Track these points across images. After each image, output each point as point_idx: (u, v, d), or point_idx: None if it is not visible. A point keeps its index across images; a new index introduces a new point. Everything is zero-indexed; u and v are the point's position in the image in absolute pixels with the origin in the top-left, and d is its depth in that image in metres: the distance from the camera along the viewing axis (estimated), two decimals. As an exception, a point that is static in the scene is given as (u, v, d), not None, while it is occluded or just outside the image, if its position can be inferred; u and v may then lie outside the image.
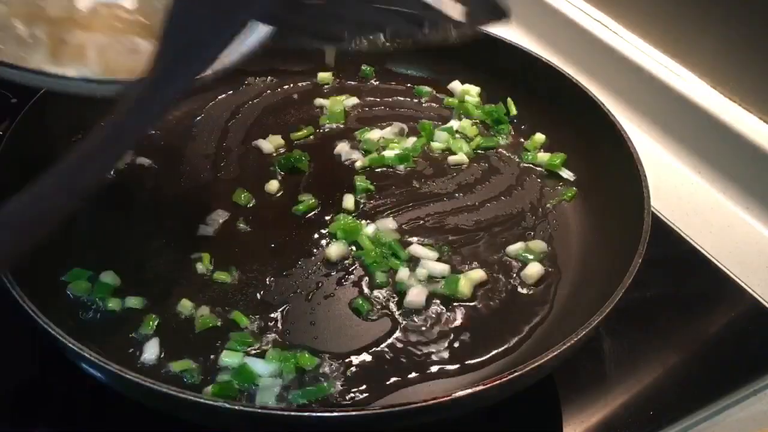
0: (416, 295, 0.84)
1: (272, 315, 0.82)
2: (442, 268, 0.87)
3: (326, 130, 1.09)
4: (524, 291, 0.87)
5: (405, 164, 1.03)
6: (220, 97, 1.13)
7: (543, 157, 1.04)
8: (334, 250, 0.89)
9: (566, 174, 1.02)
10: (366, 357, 0.79)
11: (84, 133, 1.00)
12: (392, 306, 0.84)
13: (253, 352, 0.78)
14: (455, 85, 1.15)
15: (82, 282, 0.83)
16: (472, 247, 0.92)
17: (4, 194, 0.83)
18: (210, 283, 0.85)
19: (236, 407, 0.64)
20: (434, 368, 0.78)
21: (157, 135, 1.05)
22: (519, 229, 0.95)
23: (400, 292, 0.85)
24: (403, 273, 0.86)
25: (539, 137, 1.07)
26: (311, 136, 1.08)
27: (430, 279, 0.87)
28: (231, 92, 1.14)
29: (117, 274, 0.84)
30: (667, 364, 0.86)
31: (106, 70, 0.72)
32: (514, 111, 1.10)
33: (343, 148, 1.05)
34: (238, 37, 0.67)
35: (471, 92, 1.14)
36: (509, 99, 1.11)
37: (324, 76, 1.17)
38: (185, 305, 0.82)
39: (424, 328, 0.82)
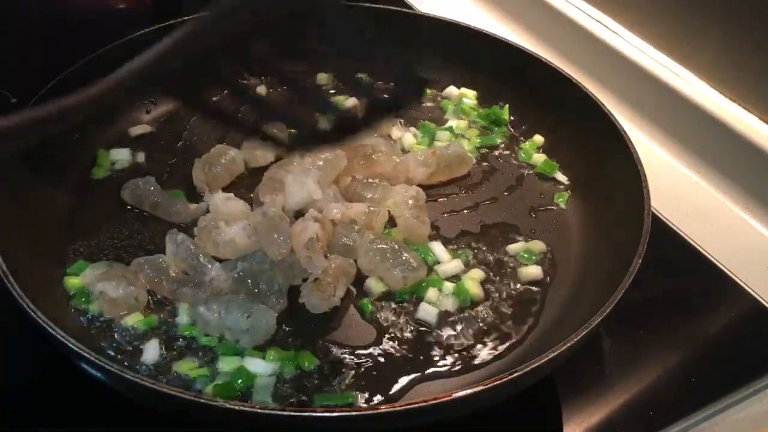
0: (427, 311, 0.84)
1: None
2: (455, 265, 0.88)
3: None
4: (523, 291, 0.87)
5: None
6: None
7: (539, 159, 1.04)
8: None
9: (561, 177, 1.02)
10: (366, 357, 0.79)
11: (83, 134, 1.00)
12: (393, 308, 0.84)
13: (254, 350, 0.78)
14: (452, 90, 1.15)
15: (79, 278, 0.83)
16: (472, 247, 0.92)
17: (5, 194, 0.84)
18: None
19: (236, 407, 0.64)
20: (434, 368, 0.78)
21: (156, 134, 1.05)
22: (519, 229, 0.95)
23: (408, 297, 0.85)
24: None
25: (538, 138, 1.07)
26: (311, 136, 1.07)
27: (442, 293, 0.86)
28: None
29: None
30: (667, 364, 0.86)
31: None
32: (507, 117, 1.10)
33: (342, 148, 1.05)
34: None
35: (468, 95, 1.14)
36: (502, 106, 1.11)
37: (323, 76, 1.17)
38: (184, 305, 0.82)
39: (423, 329, 0.82)
